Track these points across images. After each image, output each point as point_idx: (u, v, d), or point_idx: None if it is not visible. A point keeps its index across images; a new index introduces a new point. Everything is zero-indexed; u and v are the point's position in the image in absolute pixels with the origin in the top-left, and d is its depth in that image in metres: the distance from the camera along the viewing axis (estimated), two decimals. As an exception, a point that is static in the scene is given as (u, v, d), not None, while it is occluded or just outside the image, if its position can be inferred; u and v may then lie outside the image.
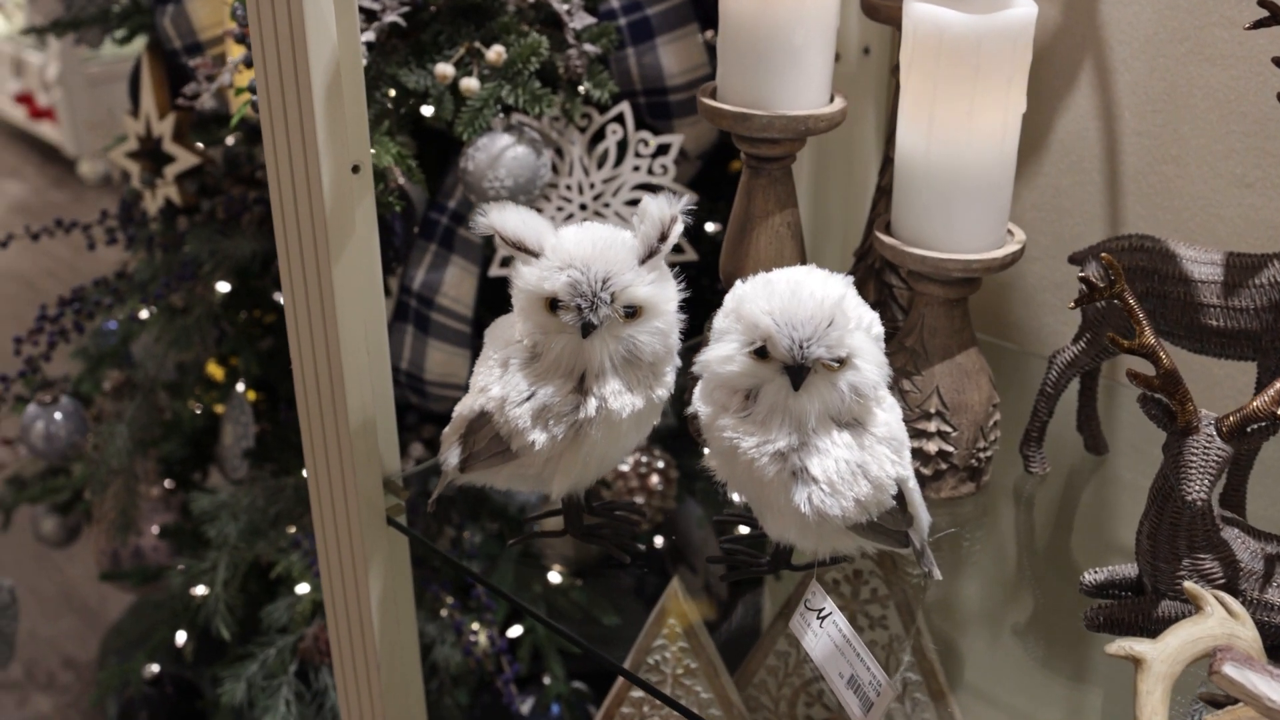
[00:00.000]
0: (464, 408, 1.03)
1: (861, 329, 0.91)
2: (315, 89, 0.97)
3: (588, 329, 0.94)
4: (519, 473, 1.02)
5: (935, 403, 1.10)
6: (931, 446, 1.11)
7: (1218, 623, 0.84)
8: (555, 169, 1.51)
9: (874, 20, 1.23)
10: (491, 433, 1.01)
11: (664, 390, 0.99)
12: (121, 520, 1.79)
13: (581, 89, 1.41)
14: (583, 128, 1.48)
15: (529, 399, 0.97)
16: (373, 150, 1.32)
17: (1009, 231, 1.09)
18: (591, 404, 0.96)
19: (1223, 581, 0.92)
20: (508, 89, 1.33)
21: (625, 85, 1.55)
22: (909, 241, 1.07)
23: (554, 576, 1.56)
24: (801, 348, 0.88)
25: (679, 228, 0.96)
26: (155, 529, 1.86)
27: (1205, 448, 0.89)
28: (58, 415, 1.75)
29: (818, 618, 0.96)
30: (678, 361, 1.03)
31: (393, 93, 1.38)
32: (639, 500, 1.44)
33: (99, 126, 4.28)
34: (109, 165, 4.37)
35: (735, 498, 1.02)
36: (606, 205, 1.50)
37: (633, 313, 0.96)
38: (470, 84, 1.33)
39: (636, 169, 1.49)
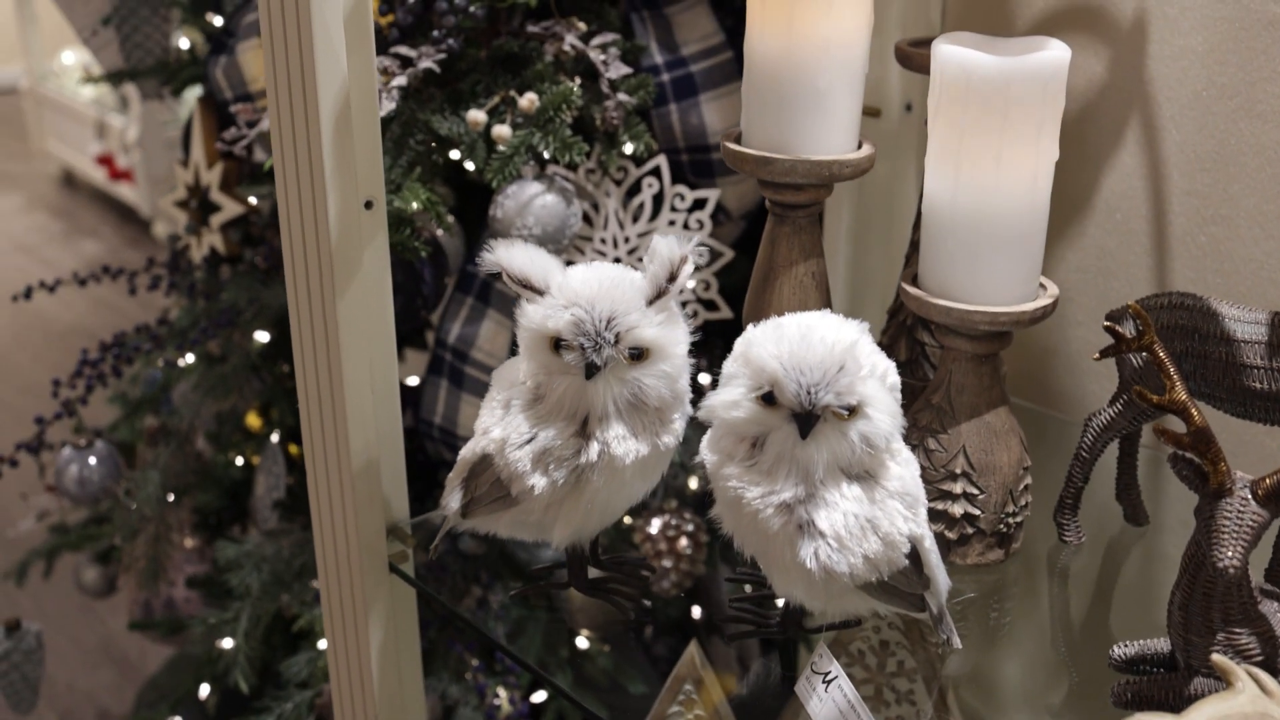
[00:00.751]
0: (468, 451, 1.01)
1: (875, 377, 0.87)
2: (324, 120, 0.96)
3: (591, 370, 0.91)
4: (520, 519, 0.99)
5: (961, 463, 1.05)
6: (957, 509, 1.06)
7: (1249, 700, 0.77)
8: (590, 221, 1.49)
9: (907, 69, 1.20)
10: (493, 477, 0.97)
11: (671, 438, 0.96)
12: (151, 569, 1.77)
13: (623, 145, 1.39)
14: (618, 180, 1.46)
15: (529, 441, 0.94)
16: (399, 194, 1.31)
17: (1041, 285, 1.05)
18: (594, 448, 0.93)
19: (1260, 658, 0.86)
20: (539, 136, 1.31)
21: (668, 142, 1.53)
22: (935, 293, 1.03)
23: (581, 642, 1.52)
24: (810, 394, 0.84)
25: (689, 268, 0.93)
26: (184, 579, 1.84)
27: (1239, 511, 0.83)
28: (92, 459, 1.75)
29: (824, 681, 0.91)
30: (689, 409, 0.99)
31: (421, 138, 1.37)
32: (667, 564, 1.40)
33: (162, 183, 4.37)
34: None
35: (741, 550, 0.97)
36: (640, 260, 1.47)
37: (639, 355, 0.92)
38: (502, 131, 1.32)
39: (672, 223, 1.46)
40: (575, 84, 1.31)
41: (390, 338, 1.07)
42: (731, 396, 0.88)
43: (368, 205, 1.03)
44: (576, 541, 1.01)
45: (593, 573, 1.06)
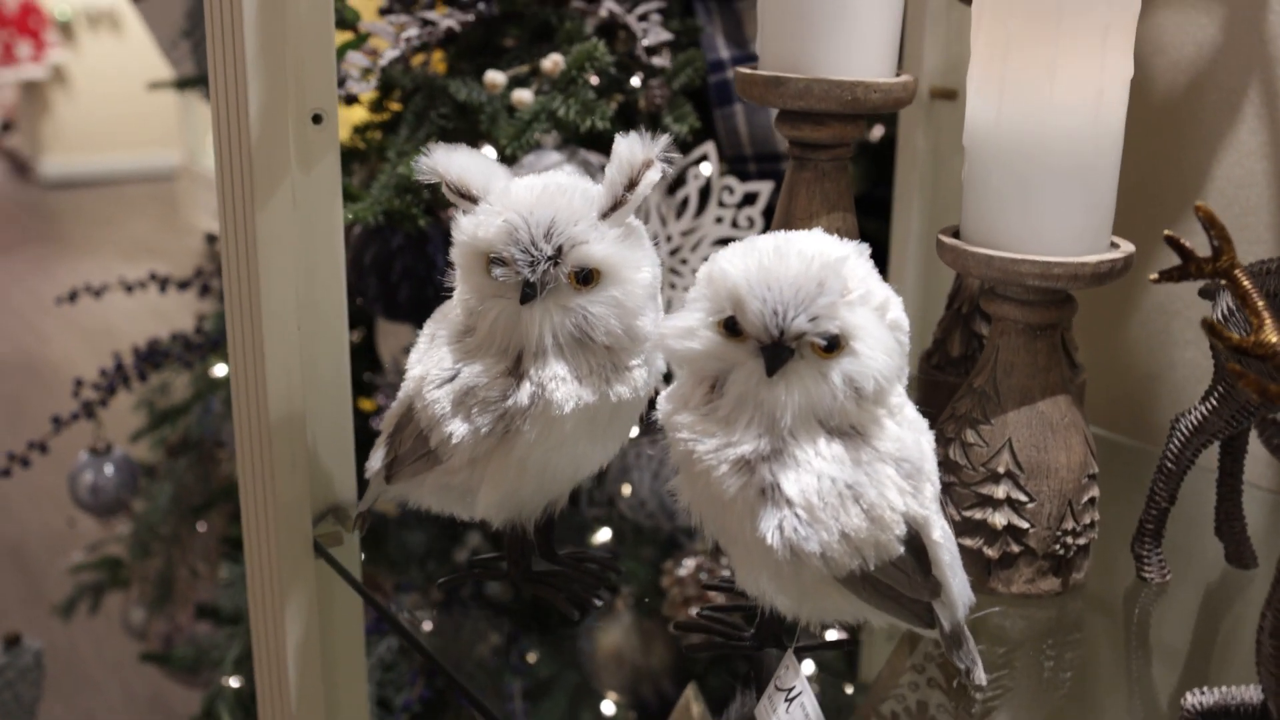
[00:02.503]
0: (396, 400, 0.84)
1: (868, 305, 0.68)
2: (248, 11, 0.82)
3: (527, 292, 0.74)
4: (444, 482, 0.81)
5: (1006, 460, 0.84)
6: (999, 519, 0.85)
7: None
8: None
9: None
10: (416, 430, 0.81)
11: (626, 390, 0.78)
12: (160, 592, 1.64)
13: (667, 128, 1.23)
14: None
15: (451, 379, 0.78)
16: (404, 160, 1.18)
17: (1114, 244, 0.84)
18: (525, 390, 0.76)
19: (1377, 704, 0.63)
20: (560, 100, 1.16)
21: (733, 147, 1.38)
22: (978, 243, 0.83)
23: (608, 707, 1.32)
24: (778, 317, 0.66)
25: (654, 174, 0.76)
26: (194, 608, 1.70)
27: (1346, 491, 0.61)
28: (108, 468, 1.64)
29: (785, 699, 0.71)
30: (659, 363, 0.81)
31: (444, 110, 1.24)
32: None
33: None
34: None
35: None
36: (684, 261, 1.30)
37: (586, 277, 0.75)
38: (522, 95, 1.18)
39: (719, 220, 1.29)
40: (599, 41, 1.17)
41: (337, 276, 0.92)
42: (686, 322, 0.70)
43: (316, 119, 0.90)
44: (513, 519, 0.83)
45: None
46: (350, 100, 1.26)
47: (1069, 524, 0.85)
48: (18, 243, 5.64)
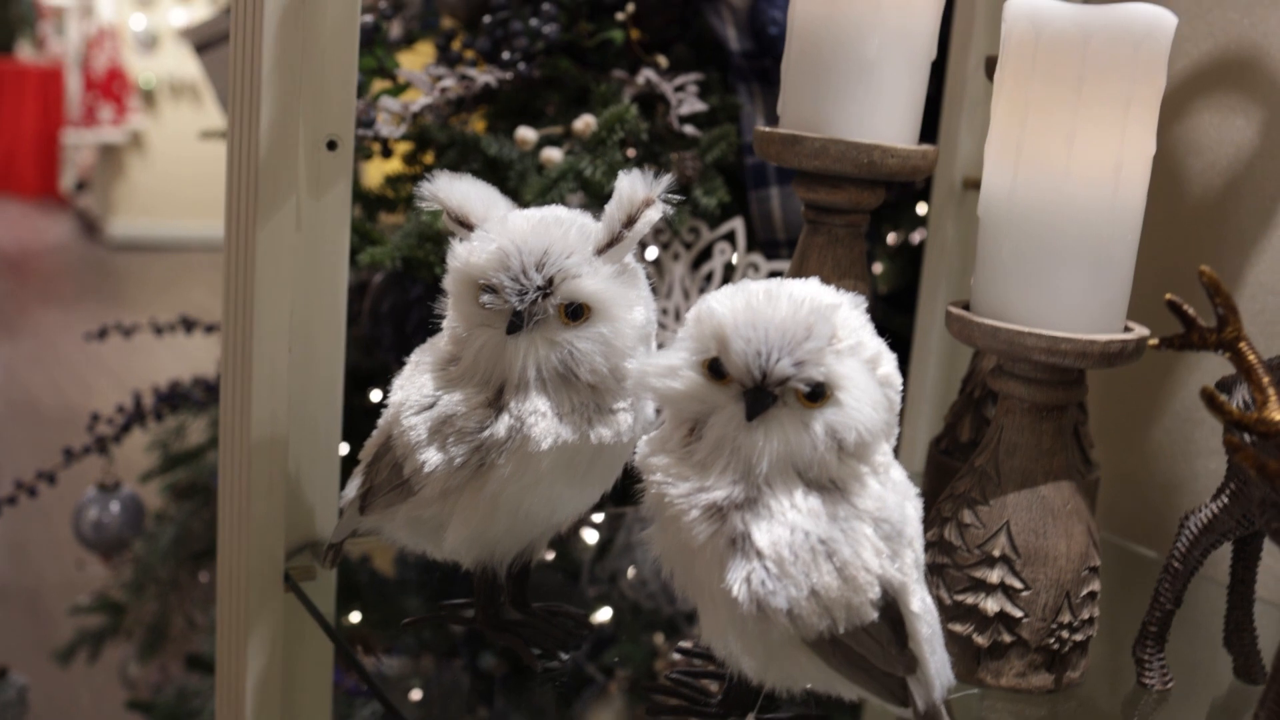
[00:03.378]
0: (377, 431, 0.82)
1: (858, 357, 0.66)
2: (267, 30, 0.83)
3: (515, 322, 0.72)
4: (416, 515, 0.79)
5: (1002, 544, 0.81)
6: (991, 605, 0.81)
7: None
8: (653, 289, 1.32)
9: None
10: (393, 459, 0.79)
11: (608, 431, 0.75)
12: (151, 637, 1.62)
13: (698, 202, 1.22)
14: (688, 244, 1.29)
15: (430, 407, 0.76)
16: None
17: (1128, 328, 0.81)
18: (504, 423, 0.73)
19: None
20: (587, 160, 1.16)
21: (766, 231, 1.37)
22: (988, 315, 0.81)
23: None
24: (762, 359, 0.64)
25: (654, 213, 0.75)
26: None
27: (1346, 581, 0.57)
28: (114, 506, 1.63)
29: (742, 766, 0.67)
30: (649, 408, 0.79)
31: (477, 166, 1.24)
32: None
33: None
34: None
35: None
36: (703, 336, 1.28)
37: (577, 313, 0.74)
38: (551, 154, 1.18)
39: (743, 297, 1.27)
40: (631, 104, 1.16)
41: (337, 305, 0.91)
42: (670, 361, 0.68)
43: (331, 145, 0.89)
44: (483, 560, 0.80)
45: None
46: (386, 152, 1.27)
47: (1065, 617, 0.81)
48: (78, 298, 5.74)
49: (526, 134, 1.19)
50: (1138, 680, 0.85)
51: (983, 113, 1.20)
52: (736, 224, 1.28)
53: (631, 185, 0.74)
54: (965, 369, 1.05)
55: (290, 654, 0.92)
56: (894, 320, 1.38)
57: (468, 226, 0.77)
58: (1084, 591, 0.82)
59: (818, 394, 0.64)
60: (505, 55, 1.25)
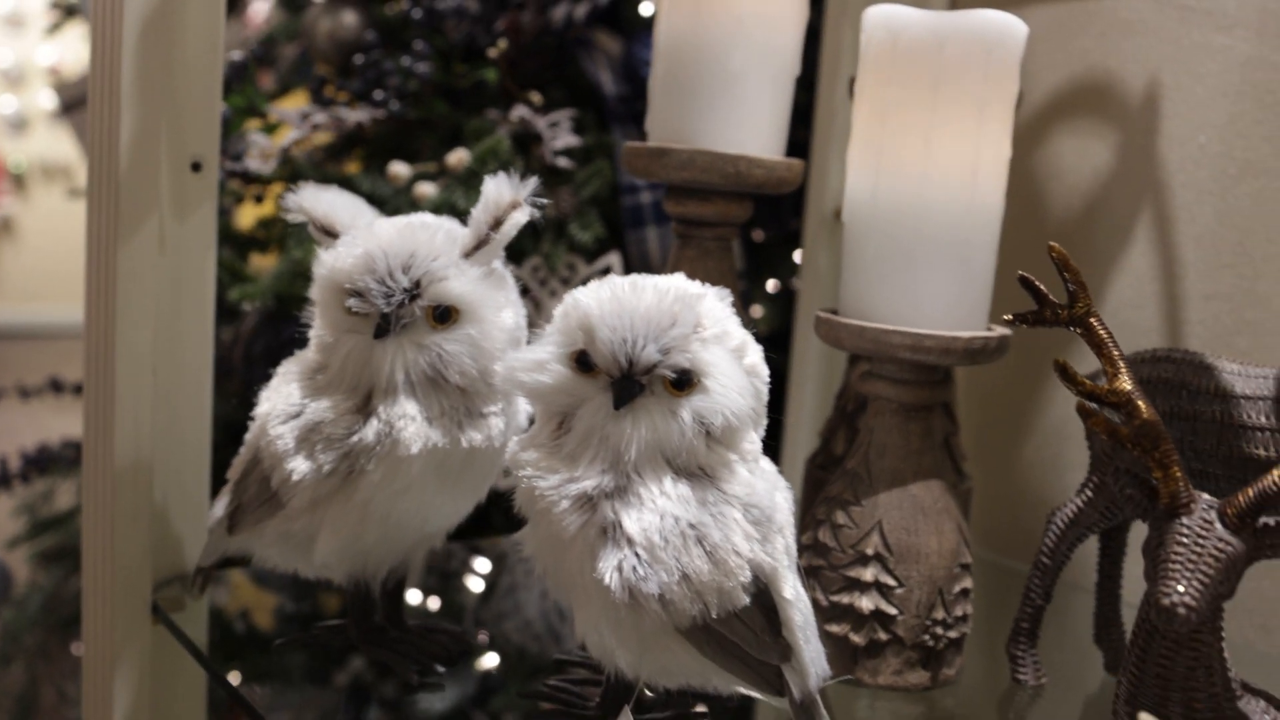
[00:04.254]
0: (244, 447, 0.80)
1: (723, 345, 0.66)
2: (126, 49, 0.82)
3: (382, 326, 0.72)
4: (285, 530, 0.77)
5: (875, 542, 0.81)
6: (866, 603, 0.81)
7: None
8: (532, 324, 1.32)
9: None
10: (261, 474, 0.77)
11: (479, 435, 0.75)
12: (19, 709, 1.54)
13: (573, 237, 1.23)
14: (565, 279, 1.30)
15: (297, 415, 0.74)
16: (303, 245, 1.17)
17: (990, 328, 0.84)
18: (373, 428, 0.72)
19: (1234, 773, 0.59)
20: (461, 193, 1.16)
21: (644, 271, 1.37)
22: (854, 317, 0.82)
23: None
24: (628, 345, 0.64)
25: (520, 216, 0.75)
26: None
27: (1199, 536, 0.58)
28: (-21, 572, 1.56)
29: (619, 759, 0.66)
30: (520, 416, 0.78)
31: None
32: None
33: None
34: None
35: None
36: (584, 372, 1.28)
37: (444, 315, 0.73)
38: (424, 189, 1.18)
39: (620, 331, 1.28)
40: (504, 137, 1.17)
41: (204, 330, 0.89)
42: (537, 355, 0.68)
43: (195, 167, 0.88)
44: (356, 573, 0.79)
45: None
46: (258, 197, 1.26)
47: (939, 613, 0.82)
48: (-54, 385, 5.53)
49: (399, 169, 1.19)
50: (1012, 677, 0.86)
51: (850, 145, 1.23)
52: (613, 258, 1.28)
53: (498, 189, 0.75)
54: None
55: (160, 689, 0.88)
56: (773, 361, 1.39)
57: (334, 235, 0.76)
58: (956, 588, 0.83)
59: (684, 381, 0.65)
60: (377, 95, 1.25)
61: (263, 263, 1.35)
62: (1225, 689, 0.61)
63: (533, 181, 0.75)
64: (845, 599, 0.82)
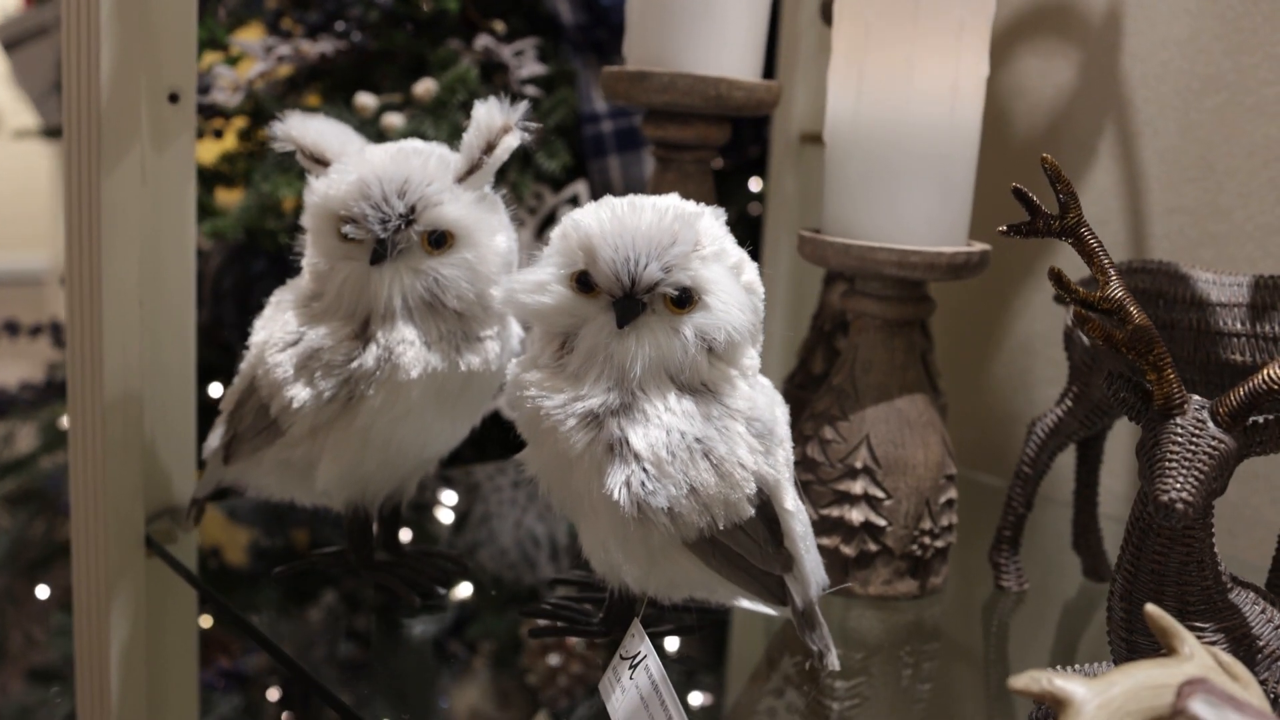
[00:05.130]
0: (238, 375, 0.80)
1: (722, 262, 0.67)
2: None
3: (379, 252, 0.72)
4: (284, 457, 0.77)
5: (864, 456, 0.83)
6: (856, 515, 0.83)
7: (1198, 668, 0.53)
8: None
9: (836, 31, 1.03)
10: (258, 402, 0.77)
11: (477, 359, 0.75)
12: (-12, 651, 1.54)
13: (540, 166, 1.23)
14: (532, 209, 1.30)
15: (295, 343, 0.74)
16: (269, 180, 1.16)
17: (969, 243, 0.85)
18: (372, 353, 0.73)
19: (1226, 660, 0.62)
20: (429, 124, 1.16)
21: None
22: (838, 235, 0.84)
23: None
24: (631, 266, 0.65)
25: (512, 140, 0.75)
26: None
27: (1193, 435, 0.61)
28: (-61, 518, 1.54)
29: (630, 665, 0.67)
30: (513, 337, 0.79)
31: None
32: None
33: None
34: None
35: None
36: (554, 301, 1.29)
37: (440, 240, 0.74)
38: (391, 120, 1.17)
39: (590, 260, 1.28)
40: (472, 67, 1.17)
41: (186, 261, 0.88)
42: (538, 277, 0.68)
43: (173, 98, 0.87)
44: (355, 499, 0.79)
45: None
46: (217, 132, 1.24)
47: (926, 524, 0.84)
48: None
49: (366, 101, 1.18)
50: (996, 584, 0.89)
51: (817, 68, 1.24)
52: (580, 187, 1.29)
53: (489, 113, 0.75)
54: (811, 312, 1.08)
55: (154, 623, 0.89)
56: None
57: (323, 163, 0.76)
58: (942, 499, 0.85)
59: (685, 299, 0.66)
60: (339, 26, 1.24)
61: (227, 198, 1.34)
62: (1216, 582, 0.63)
63: (523, 105, 0.75)
64: (835, 512, 0.84)
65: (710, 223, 0.69)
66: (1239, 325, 0.76)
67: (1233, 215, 1.00)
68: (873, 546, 0.84)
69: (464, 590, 0.86)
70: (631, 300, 0.65)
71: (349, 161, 0.74)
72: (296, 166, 1.19)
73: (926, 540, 0.84)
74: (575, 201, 1.28)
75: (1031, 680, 0.49)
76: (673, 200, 0.69)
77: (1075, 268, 1.06)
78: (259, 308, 1.25)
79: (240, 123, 1.30)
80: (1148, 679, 0.51)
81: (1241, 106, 0.99)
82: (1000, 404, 1.18)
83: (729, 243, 0.69)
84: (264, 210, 1.15)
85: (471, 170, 0.75)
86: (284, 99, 1.30)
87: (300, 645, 0.78)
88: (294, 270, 1.24)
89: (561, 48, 1.36)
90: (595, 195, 1.35)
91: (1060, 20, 1.11)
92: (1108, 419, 0.85)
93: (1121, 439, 1.05)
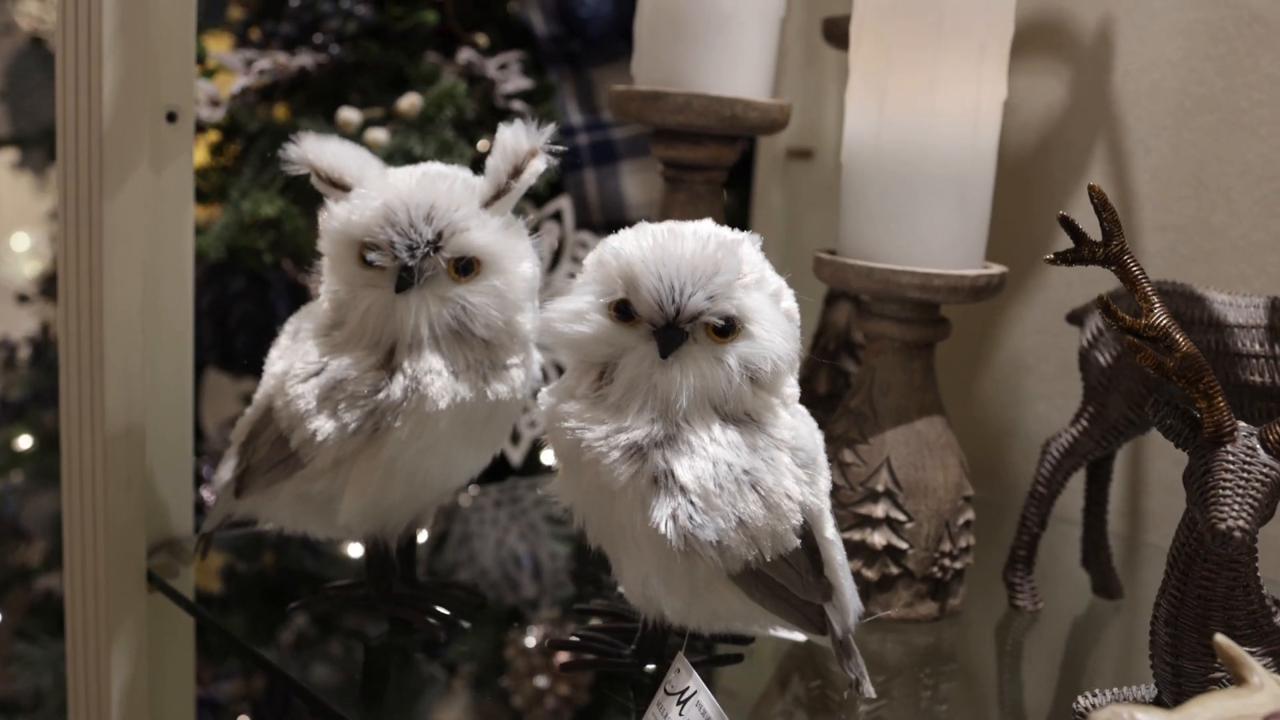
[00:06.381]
0: (252, 406, 0.78)
1: (763, 290, 0.67)
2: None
3: (404, 279, 0.70)
4: (302, 491, 0.75)
5: (885, 479, 0.83)
6: (878, 539, 0.83)
7: (1270, 699, 0.54)
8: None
9: (840, 50, 1.03)
10: (275, 434, 0.75)
11: (504, 388, 0.74)
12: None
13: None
14: (515, 224, 1.28)
15: (318, 374, 0.72)
16: (248, 198, 1.13)
17: (985, 265, 0.85)
18: (399, 384, 0.71)
19: (1277, 685, 0.62)
20: (415, 138, 1.13)
21: (582, 213, 1.36)
22: (856, 258, 0.83)
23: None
24: (674, 295, 0.64)
25: (538, 164, 0.74)
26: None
27: (1245, 463, 0.61)
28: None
29: (679, 702, 0.66)
30: (535, 366, 0.77)
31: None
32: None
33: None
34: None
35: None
36: (536, 317, 1.27)
37: (466, 268, 0.72)
38: (376, 136, 1.15)
39: (572, 276, 1.27)
40: (459, 80, 1.15)
41: (184, 284, 0.86)
42: (575, 305, 0.67)
43: (170, 117, 0.84)
44: (377, 531, 0.77)
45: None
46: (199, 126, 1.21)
47: (946, 545, 0.84)
48: None
49: (349, 116, 1.16)
50: (1010, 603, 0.89)
51: (800, 86, 1.23)
52: (563, 202, 1.27)
53: (515, 136, 0.73)
54: (808, 330, 1.08)
55: (154, 659, 0.86)
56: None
57: (342, 187, 0.74)
58: (961, 520, 0.85)
59: (729, 328, 0.65)
60: (317, 39, 1.21)
61: (201, 214, 1.30)
62: (1261, 606, 0.64)
63: (550, 128, 0.74)
64: (857, 535, 0.83)
65: (750, 250, 0.68)
66: (1257, 346, 0.77)
67: (1225, 232, 1.01)
68: (894, 569, 0.83)
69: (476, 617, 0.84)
70: (674, 329, 0.64)
71: (371, 186, 0.72)
72: (276, 183, 1.16)
73: (946, 562, 0.84)
74: (558, 217, 1.27)
75: (1114, 715, 0.48)
76: (710, 227, 0.68)
77: (1062, 284, 1.07)
78: (238, 326, 1.22)
79: (212, 137, 1.26)
80: (1225, 711, 0.51)
81: (1233, 125, 1.00)
82: (991, 419, 1.18)
83: (768, 270, 0.68)
84: (245, 228, 1.12)
85: (498, 195, 0.73)
86: (255, 111, 1.27)
87: (315, 675, 0.76)
88: (274, 289, 1.22)
89: (536, 63, 1.34)
90: (577, 208, 1.34)
91: (1053, 39, 1.11)
92: (1123, 439, 0.85)
93: (1118, 456, 1.06)
